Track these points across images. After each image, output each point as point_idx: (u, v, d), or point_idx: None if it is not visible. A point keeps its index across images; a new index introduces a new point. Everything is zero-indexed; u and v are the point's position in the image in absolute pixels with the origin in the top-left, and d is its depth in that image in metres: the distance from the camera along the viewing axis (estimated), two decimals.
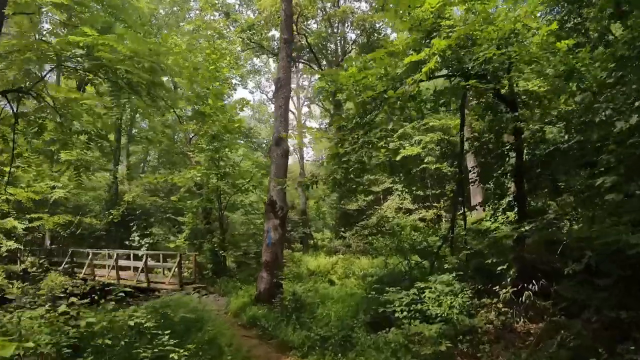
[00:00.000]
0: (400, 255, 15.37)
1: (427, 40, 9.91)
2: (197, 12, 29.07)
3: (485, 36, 8.56)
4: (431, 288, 8.97)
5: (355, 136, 10.42)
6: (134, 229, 23.33)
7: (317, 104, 38.47)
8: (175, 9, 29.56)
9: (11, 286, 17.35)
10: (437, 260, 12.80)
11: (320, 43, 30.54)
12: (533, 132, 10.48)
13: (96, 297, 9.69)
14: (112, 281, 18.28)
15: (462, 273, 9.65)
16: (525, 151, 10.48)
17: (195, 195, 20.98)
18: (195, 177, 18.66)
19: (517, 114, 9.73)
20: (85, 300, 8.71)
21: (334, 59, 30.97)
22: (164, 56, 8.91)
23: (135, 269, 18.21)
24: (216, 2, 26.95)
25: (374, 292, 10.67)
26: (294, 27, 27.77)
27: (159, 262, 18.90)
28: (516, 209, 10.29)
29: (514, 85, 9.91)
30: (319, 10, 30.21)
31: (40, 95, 9.60)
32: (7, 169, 10.26)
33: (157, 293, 16.36)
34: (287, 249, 26.63)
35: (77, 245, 22.57)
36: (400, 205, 25.87)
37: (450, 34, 8.84)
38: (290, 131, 15.24)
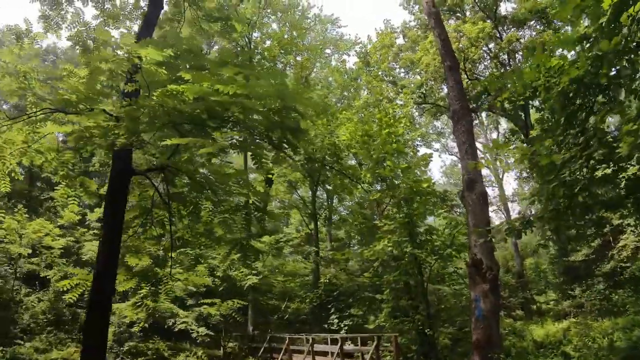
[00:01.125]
0: None
1: None
2: (365, 89, 28.66)
3: None
4: None
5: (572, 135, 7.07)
6: (332, 311, 21.77)
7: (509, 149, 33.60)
8: (345, 93, 29.73)
9: None
10: None
11: (496, 86, 26.97)
12: None
13: None
14: None
15: None
16: None
17: (392, 269, 18.59)
18: (386, 247, 16.27)
19: None
20: None
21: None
22: (298, 99, 7.10)
23: (332, 353, 16.19)
24: (379, 73, 26.11)
25: None
26: (464, 75, 25.15)
27: (357, 345, 16.56)
28: None
29: None
30: (484, 54, 27.14)
31: (189, 172, 8.73)
32: (171, 254, 9.57)
33: None
34: (506, 317, 22.05)
35: (284, 330, 21.94)
36: (638, 244, 19.48)
37: None
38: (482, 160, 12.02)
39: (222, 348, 19.90)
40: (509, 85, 8.80)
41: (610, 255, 20.38)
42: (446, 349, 17.31)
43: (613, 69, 5.89)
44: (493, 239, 12.25)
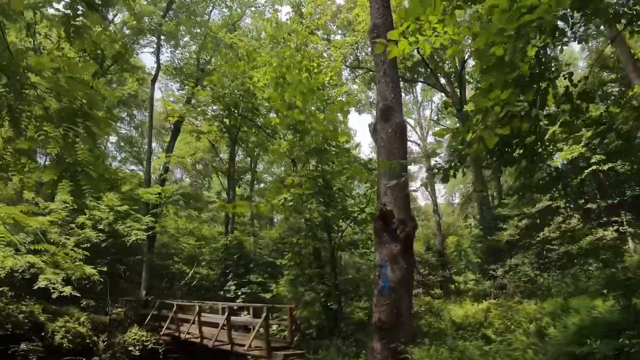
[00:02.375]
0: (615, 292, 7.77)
1: None
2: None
3: None
4: None
5: None
6: (229, 276, 17.94)
7: (442, 125, 30.87)
8: (276, 49, 25.74)
9: (96, 339, 14.85)
10: None
11: (435, 54, 24.00)
12: None
13: None
14: (195, 339, 13.14)
15: None
16: None
17: (299, 232, 15.01)
18: (287, 202, 12.42)
19: None
20: None
21: (453, 69, 24.01)
22: None
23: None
24: (311, 26, 22.39)
25: None
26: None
27: (253, 316, 13.01)
28: None
29: None
30: None
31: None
32: None
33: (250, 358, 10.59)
34: (425, 295, 19.28)
35: (189, 297, 18.39)
36: (568, 227, 17.28)
37: None
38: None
39: (107, 314, 15.82)
40: None
41: (537, 237, 17.97)
42: (362, 326, 14.16)
43: None
44: (409, 186, 8.91)
